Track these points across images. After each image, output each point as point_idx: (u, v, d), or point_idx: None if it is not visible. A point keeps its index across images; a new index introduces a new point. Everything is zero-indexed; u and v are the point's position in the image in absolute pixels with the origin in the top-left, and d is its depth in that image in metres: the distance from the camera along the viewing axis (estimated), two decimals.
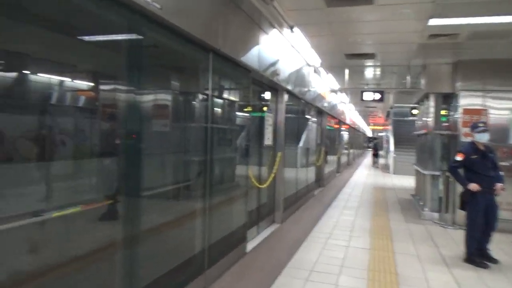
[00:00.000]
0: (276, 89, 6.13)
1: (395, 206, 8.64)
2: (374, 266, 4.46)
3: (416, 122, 10.72)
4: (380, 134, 38.09)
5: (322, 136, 10.78)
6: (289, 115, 6.73)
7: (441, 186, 7.21)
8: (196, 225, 3.48)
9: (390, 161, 17.65)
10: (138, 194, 2.66)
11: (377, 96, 9.57)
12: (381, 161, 22.93)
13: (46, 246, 2.20)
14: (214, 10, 3.49)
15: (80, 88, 2.68)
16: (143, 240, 2.70)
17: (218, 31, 3.51)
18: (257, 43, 4.57)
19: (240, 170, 4.65)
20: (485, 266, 4.58)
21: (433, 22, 4.94)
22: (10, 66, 2.11)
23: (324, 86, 9.90)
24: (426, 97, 8.08)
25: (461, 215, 6.09)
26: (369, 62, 8.29)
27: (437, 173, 7.35)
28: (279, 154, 6.08)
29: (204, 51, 3.46)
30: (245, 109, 4.81)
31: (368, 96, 9.60)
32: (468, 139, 5.78)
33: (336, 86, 11.13)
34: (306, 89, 7.69)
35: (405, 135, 17.38)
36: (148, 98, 2.97)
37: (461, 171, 4.90)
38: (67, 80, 2.53)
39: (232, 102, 4.53)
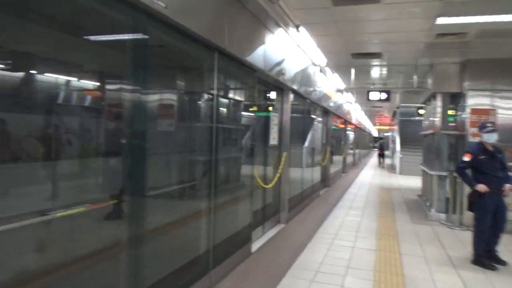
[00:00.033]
0: (282, 88, 6.10)
1: (402, 207, 8.57)
2: (380, 267, 4.43)
3: (422, 122, 10.63)
4: (386, 134, 37.89)
5: (327, 136, 10.74)
6: (295, 114, 6.70)
7: (448, 187, 7.14)
8: (201, 225, 3.47)
9: (396, 161, 17.53)
10: (143, 193, 2.65)
11: (384, 95, 9.50)
12: (387, 161, 22.80)
13: (53, 245, 2.20)
14: (219, 9, 3.48)
15: (86, 88, 2.68)
16: (148, 239, 2.70)
17: (224, 30, 3.50)
18: (262, 43, 4.55)
19: (245, 170, 4.63)
20: (493, 268, 4.52)
21: (441, 21, 4.89)
22: (16, 66, 2.11)
23: (330, 85, 9.86)
24: (433, 96, 8.00)
25: (468, 216, 6.02)
26: (375, 62, 8.23)
27: (444, 173, 7.28)
28: (284, 154, 6.06)
29: (209, 50, 3.44)
30: (251, 109, 4.79)
31: (374, 95, 9.54)
32: (476, 139, 5.72)
33: (342, 85, 11.08)
34: (311, 89, 7.66)
35: (411, 135, 17.25)
36: (153, 98, 2.96)
37: (469, 171, 4.84)
38: (73, 80, 2.53)
39: (238, 101, 4.52)
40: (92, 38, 2.46)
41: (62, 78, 2.43)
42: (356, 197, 9.70)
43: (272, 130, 5.56)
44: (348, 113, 15.20)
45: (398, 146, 17.78)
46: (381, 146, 22.44)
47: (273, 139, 5.62)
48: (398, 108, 18.42)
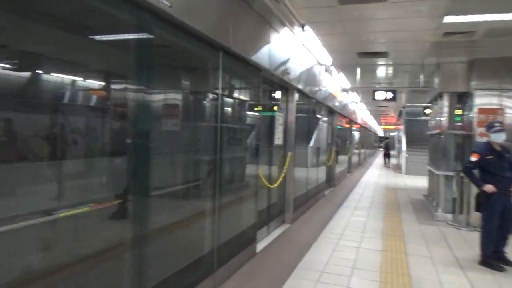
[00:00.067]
0: (287, 88, 6.08)
1: (408, 207, 8.51)
2: (387, 268, 4.39)
3: (429, 121, 10.54)
4: (391, 133, 37.68)
5: (332, 136, 10.69)
6: (300, 114, 6.67)
7: (455, 187, 7.07)
8: (205, 225, 3.46)
9: (402, 161, 17.42)
10: (148, 193, 2.65)
11: (389, 95, 9.44)
12: (393, 161, 22.66)
13: (58, 244, 2.20)
14: (224, 8, 3.46)
15: (91, 87, 2.68)
16: (153, 239, 2.69)
17: (228, 29, 3.48)
18: (267, 42, 4.53)
19: (250, 169, 4.62)
20: (501, 269, 4.46)
21: (448, 19, 4.83)
22: (22, 65, 2.11)
23: (335, 85, 9.81)
24: (439, 96, 7.93)
25: (475, 216, 5.96)
26: (381, 61, 8.18)
27: (451, 173, 7.21)
28: (289, 153, 6.03)
29: (214, 50, 3.43)
30: (255, 109, 4.77)
31: (380, 95, 9.48)
32: (484, 139, 5.66)
33: (348, 85, 11.02)
34: (317, 88, 7.62)
35: (417, 135, 17.12)
36: (158, 98, 2.95)
37: (476, 172, 4.78)
38: (78, 79, 2.53)
39: (242, 101, 4.50)
40: (97, 37, 2.46)
41: (67, 77, 2.43)
42: (361, 197, 9.65)
43: (277, 129, 5.54)
44: (353, 113, 15.13)
45: (404, 146, 17.66)
46: (387, 145, 22.29)
47: (278, 139, 5.60)
48: (404, 107, 18.30)
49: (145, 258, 2.58)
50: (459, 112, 7.68)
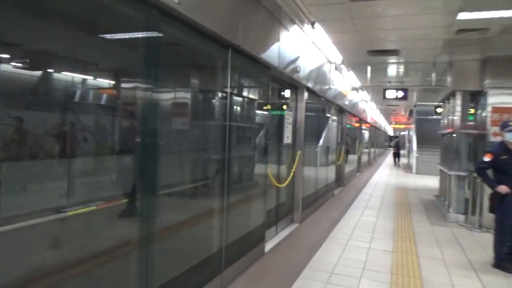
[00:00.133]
0: (296, 86, 6.02)
1: (419, 207, 8.38)
2: (397, 270, 4.31)
3: (441, 120, 10.38)
4: (402, 133, 37.31)
5: (342, 135, 10.60)
6: (309, 113, 6.61)
7: (467, 187, 6.93)
8: (213, 224, 3.43)
9: (413, 161, 17.20)
10: (157, 191, 2.63)
11: (400, 94, 9.32)
12: (403, 160, 22.39)
13: (67, 242, 2.19)
14: (233, 5, 3.42)
15: (101, 86, 2.67)
16: (161, 238, 2.67)
17: (237, 26, 3.44)
18: (277, 40, 4.48)
19: (258, 168, 4.58)
20: None
21: (462, 16, 4.72)
22: (32, 64, 2.10)
23: (345, 83, 9.71)
24: (452, 95, 7.79)
25: (488, 217, 5.84)
26: (392, 59, 8.06)
27: (463, 173, 7.07)
28: (298, 153, 5.98)
29: (223, 48, 3.39)
30: (265, 107, 4.72)
31: (391, 94, 9.36)
32: (498, 139, 5.53)
33: (358, 83, 10.91)
34: (326, 87, 7.55)
35: (428, 134, 16.88)
36: (167, 96, 2.93)
37: (490, 172, 4.67)
38: (88, 78, 2.52)
39: (251, 100, 4.46)
40: (104, 35, 2.44)
41: (74, 76, 2.42)
42: (371, 197, 9.54)
43: (286, 128, 5.49)
44: (363, 112, 14.99)
45: (414, 145, 17.44)
46: (397, 145, 22.02)
47: (287, 138, 5.54)
48: (415, 106, 18.06)
49: (153, 256, 2.56)
50: (472, 111, 7.54)
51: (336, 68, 8.22)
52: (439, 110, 11.60)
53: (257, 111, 4.56)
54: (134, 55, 2.49)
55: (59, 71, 2.32)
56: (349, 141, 12.09)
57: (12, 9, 1.82)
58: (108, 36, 2.45)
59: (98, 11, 2.28)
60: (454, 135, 7.49)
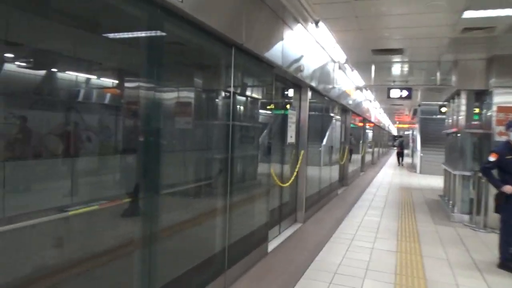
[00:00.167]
0: (300, 85, 6.00)
1: (423, 207, 8.34)
2: (401, 270, 4.28)
3: (445, 120, 10.32)
4: (406, 132, 37.16)
5: (346, 134, 10.56)
6: (313, 112, 6.58)
7: (472, 187, 6.89)
8: (216, 224, 3.43)
9: (417, 160, 17.12)
10: (160, 191, 2.62)
11: (405, 93, 9.27)
12: (407, 160, 22.28)
13: (69, 241, 2.19)
14: (236, 3, 3.40)
15: (104, 86, 2.66)
16: (164, 237, 2.66)
17: (241, 25, 3.42)
18: (281, 38, 4.46)
19: (262, 168, 4.57)
20: None
21: (468, 14, 4.67)
22: (36, 63, 2.10)
23: (349, 83, 9.68)
24: (457, 94, 7.73)
25: (493, 217, 5.80)
26: (397, 58, 8.01)
27: (468, 173, 7.02)
28: (302, 152, 5.96)
29: (226, 46, 3.38)
30: (268, 107, 4.71)
31: (395, 93, 9.32)
32: (503, 138, 5.48)
33: (362, 83, 10.86)
34: (330, 86, 7.52)
35: (432, 134, 16.81)
36: (170, 96, 2.92)
37: (495, 172, 4.63)
38: (92, 77, 2.51)
39: (255, 99, 4.44)
40: (109, 35, 2.43)
41: (78, 75, 2.41)
42: (375, 197, 9.50)
43: (290, 128, 5.47)
44: (367, 111, 14.94)
45: (418, 145, 17.36)
46: (401, 144, 21.90)
47: (291, 137, 5.53)
48: (419, 106, 17.98)
49: (156, 256, 2.55)
50: (477, 110, 7.48)
51: (340, 67, 8.19)
52: (443, 109, 11.53)
53: (261, 111, 4.55)
54: (138, 54, 2.49)
55: (63, 71, 2.32)
56: (352, 140, 12.05)
57: (16, 8, 1.81)
58: (112, 35, 2.44)
59: (102, 10, 2.28)
60: (459, 134, 7.44)
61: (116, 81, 2.70)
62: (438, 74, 8.27)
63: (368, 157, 16.99)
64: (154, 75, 2.47)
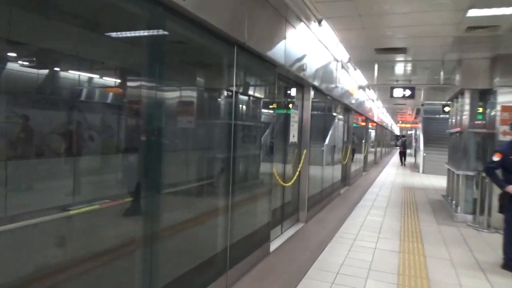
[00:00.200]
0: (302, 85, 5.98)
1: (426, 207, 8.31)
2: (404, 270, 4.26)
3: (449, 119, 10.27)
4: (409, 132, 37.05)
5: (348, 134, 10.54)
6: (315, 112, 6.56)
7: (475, 187, 6.85)
8: (218, 223, 3.41)
9: (420, 160, 17.06)
10: (161, 190, 2.61)
11: (408, 92, 9.23)
12: (409, 159, 22.20)
13: (70, 240, 2.19)
14: (238, 2, 3.39)
15: (106, 85, 2.66)
16: (165, 237, 2.66)
17: (243, 24, 3.41)
18: (283, 37, 4.44)
19: (264, 167, 4.55)
20: None
21: (473, 13, 4.64)
22: (39, 62, 2.10)
23: (351, 82, 9.65)
24: (460, 93, 7.69)
25: (497, 218, 5.76)
26: (400, 57, 7.97)
27: (471, 173, 6.99)
28: (304, 152, 5.94)
29: (229, 45, 3.37)
30: (270, 106, 4.69)
31: (398, 92, 9.27)
32: (507, 138, 5.44)
33: (365, 82, 10.82)
34: (333, 85, 7.49)
35: (435, 133, 16.74)
36: (172, 95, 2.91)
37: (499, 172, 4.60)
38: (94, 77, 2.51)
39: (257, 98, 4.43)
40: (111, 34, 2.43)
41: (80, 74, 2.41)
42: (378, 197, 9.47)
43: (292, 127, 5.45)
44: (370, 111, 14.89)
45: (421, 145, 17.30)
46: (403, 144, 21.83)
47: (293, 137, 5.51)
48: (422, 105, 17.90)
49: (157, 255, 2.54)
50: (480, 109, 7.44)
51: (342, 67, 8.16)
52: (447, 109, 11.47)
53: (263, 110, 4.53)
54: (140, 53, 2.48)
55: (65, 70, 2.31)
56: (355, 140, 12.02)
57: (18, 7, 1.81)
58: (114, 34, 2.43)
59: (104, 9, 2.27)
60: (463, 134, 7.40)
61: (119, 80, 2.69)
62: (441, 73, 8.22)
63: (370, 157, 16.94)
64: (156, 74, 2.46)
